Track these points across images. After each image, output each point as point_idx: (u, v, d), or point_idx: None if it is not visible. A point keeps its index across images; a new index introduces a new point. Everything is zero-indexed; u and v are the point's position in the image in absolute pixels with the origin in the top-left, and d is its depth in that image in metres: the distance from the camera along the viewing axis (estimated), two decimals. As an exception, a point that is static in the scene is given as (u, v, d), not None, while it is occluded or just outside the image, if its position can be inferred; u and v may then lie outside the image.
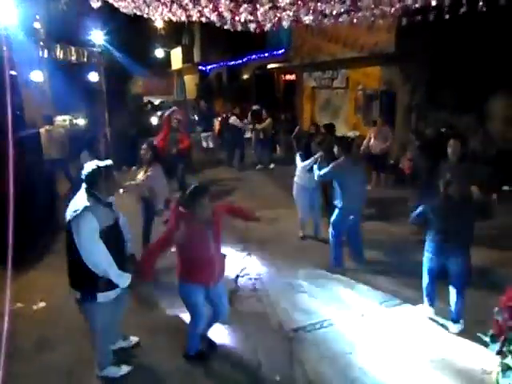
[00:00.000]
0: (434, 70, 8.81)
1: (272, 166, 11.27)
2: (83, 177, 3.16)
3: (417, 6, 4.91)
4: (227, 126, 11.79)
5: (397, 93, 10.03)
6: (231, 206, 3.85)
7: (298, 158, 6.12)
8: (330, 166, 5.30)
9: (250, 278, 5.16)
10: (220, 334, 3.97)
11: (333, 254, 5.39)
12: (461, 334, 3.92)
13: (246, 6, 4.36)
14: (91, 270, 3.01)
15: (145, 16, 6.50)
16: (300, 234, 6.34)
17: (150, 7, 5.05)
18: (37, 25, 8.62)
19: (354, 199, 5.17)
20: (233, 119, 11.33)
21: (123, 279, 3.17)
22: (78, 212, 2.97)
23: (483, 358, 3.46)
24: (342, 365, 3.60)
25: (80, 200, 3.08)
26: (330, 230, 5.38)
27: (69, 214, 3.06)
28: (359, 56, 10.45)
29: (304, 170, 5.99)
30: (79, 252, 2.99)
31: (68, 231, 3.06)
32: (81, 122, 13.04)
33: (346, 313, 4.36)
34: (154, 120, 14.04)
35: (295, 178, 6.23)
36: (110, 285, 3.16)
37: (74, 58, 8.95)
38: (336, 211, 5.32)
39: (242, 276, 5.21)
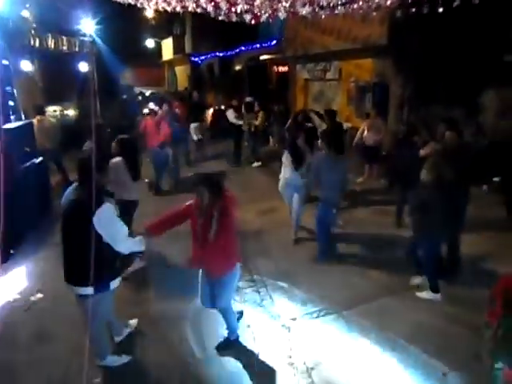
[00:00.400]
0: (426, 63, 8.86)
1: (255, 164, 10.77)
2: (79, 169, 3.17)
3: (412, -1, 4.96)
4: (223, 120, 11.53)
5: (389, 85, 10.09)
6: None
7: (285, 156, 5.90)
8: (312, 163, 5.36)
9: (247, 269, 5.21)
10: (219, 324, 4.04)
11: (319, 248, 5.42)
12: (454, 320, 4.03)
13: (244, -3, 4.35)
14: (106, 260, 3.04)
15: (138, 5, 6.44)
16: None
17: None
18: (27, 14, 8.47)
19: (333, 193, 5.16)
20: (230, 113, 11.10)
21: (140, 243, 3.31)
22: (100, 203, 2.99)
23: (476, 343, 3.56)
24: (340, 352, 3.68)
25: (82, 193, 3.08)
26: (316, 224, 5.43)
27: (78, 207, 3.05)
28: (352, 48, 10.47)
29: (288, 167, 5.84)
30: (101, 241, 2.99)
31: (74, 227, 3.07)
32: (71, 112, 12.90)
33: (343, 302, 4.44)
34: (146, 111, 13.85)
35: (281, 174, 6.05)
36: (118, 271, 3.28)
37: (65, 47, 8.82)
38: (319, 205, 5.34)
39: (240, 267, 5.25)
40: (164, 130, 8.14)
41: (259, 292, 4.69)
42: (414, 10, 5.78)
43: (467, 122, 8.38)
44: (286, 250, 5.73)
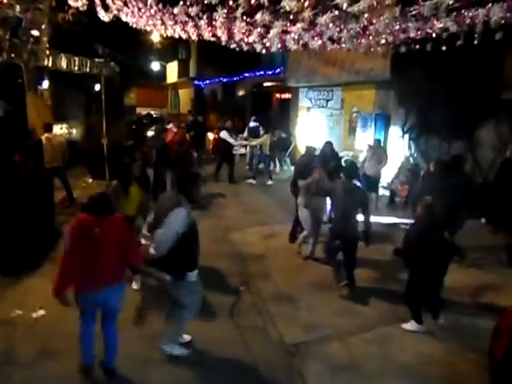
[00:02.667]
0: (426, 97, 9.12)
1: (270, 182, 11.35)
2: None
3: (418, 37, 5.18)
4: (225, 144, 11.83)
5: (390, 116, 10.33)
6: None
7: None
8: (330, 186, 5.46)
9: (249, 292, 5.23)
10: (221, 347, 4.04)
11: (332, 271, 5.39)
12: (454, 354, 4.04)
13: (259, 29, 4.54)
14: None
15: (155, 31, 6.66)
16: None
17: (164, 25, 5.20)
18: (42, 34, 8.72)
19: (340, 223, 5.14)
20: (223, 134, 11.41)
21: None
22: None
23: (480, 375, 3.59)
24: (342, 380, 3.68)
25: None
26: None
27: None
28: (355, 80, 10.77)
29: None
30: None
31: None
32: (76, 131, 13.06)
33: (346, 328, 4.46)
34: (150, 133, 13.95)
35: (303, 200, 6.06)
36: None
37: (76, 68, 9.03)
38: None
39: (242, 290, 5.28)
40: None
41: (261, 316, 4.70)
42: (417, 46, 6.01)
43: (465, 156, 8.58)
44: (290, 272, 5.76)
